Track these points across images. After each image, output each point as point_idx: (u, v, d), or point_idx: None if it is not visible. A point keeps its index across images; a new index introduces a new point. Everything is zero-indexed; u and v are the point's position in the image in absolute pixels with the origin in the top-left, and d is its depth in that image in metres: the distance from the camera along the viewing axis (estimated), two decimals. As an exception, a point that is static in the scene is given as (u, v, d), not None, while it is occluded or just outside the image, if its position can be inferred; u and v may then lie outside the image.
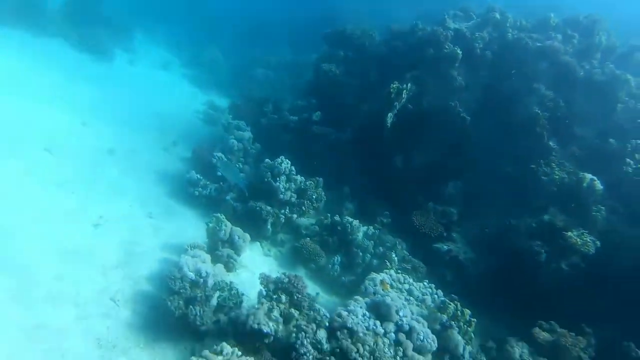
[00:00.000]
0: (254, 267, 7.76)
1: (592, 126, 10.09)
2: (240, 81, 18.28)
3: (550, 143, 9.34)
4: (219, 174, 9.14)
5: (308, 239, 8.62)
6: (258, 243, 8.43)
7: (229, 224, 7.37)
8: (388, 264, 8.10)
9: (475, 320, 6.79)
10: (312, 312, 5.96)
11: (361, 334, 5.64)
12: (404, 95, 9.22)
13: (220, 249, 7.22)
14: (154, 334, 5.51)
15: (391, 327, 6.03)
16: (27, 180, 7.22)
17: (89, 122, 10.25)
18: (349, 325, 5.69)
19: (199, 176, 9.00)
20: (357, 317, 6.02)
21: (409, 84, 9.25)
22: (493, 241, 8.86)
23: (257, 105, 11.66)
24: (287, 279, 6.16)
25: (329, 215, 8.98)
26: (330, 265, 8.27)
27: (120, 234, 7.03)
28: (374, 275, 7.36)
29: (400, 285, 7.49)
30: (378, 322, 6.04)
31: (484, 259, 8.79)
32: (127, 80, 15.48)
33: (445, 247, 8.90)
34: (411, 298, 7.32)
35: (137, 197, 8.34)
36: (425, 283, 7.79)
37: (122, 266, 6.36)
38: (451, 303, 6.79)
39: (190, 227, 8.16)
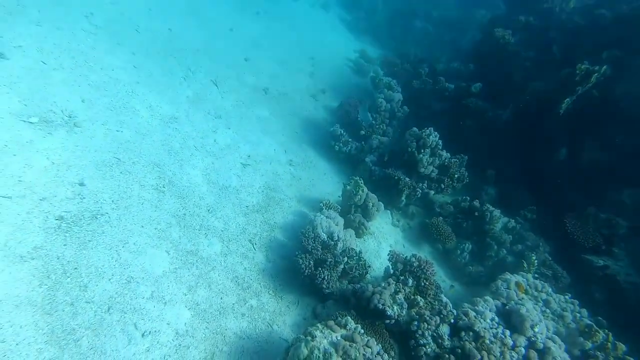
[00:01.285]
0: (381, 235, 7.59)
1: None
2: (396, 32, 17.26)
3: None
4: (363, 132, 8.96)
5: (441, 218, 8.11)
6: (388, 211, 8.18)
7: (365, 189, 7.19)
8: (525, 265, 7.26)
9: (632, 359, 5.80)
10: (436, 303, 5.64)
11: (487, 341, 5.19)
12: (593, 80, 7.68)
13: (353, 213, 7.15)
14: (282, 284, 5.75)
15: (522, 340, 5.42)
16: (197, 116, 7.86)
17: (251, 58, 10.69)
18: (475, 328, 5.27)
19: (342, 131, 8.87)
20: (485, 320, 5.55)
21: (605, 67, 7.63)
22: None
23: (412, 65, 10.88)
24: (417, 262, 5.87)
25: (467, 198, 8.28)
26: (458, 251, 7.71)
27: (263, 178, 7.32)
28: (508, 275, 6.66)
29: (536, 293, 6.68)
30: (508, 332, 5.49)
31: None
32: (288, 16, 15.67)
33: (601, 261, 7.62)
34: (547, 310, 6.52)
35: (281, 141, 8.58)
36: (566, 297, 6.85)
37: (262, 211, 6.66)
38: (600, 331, 5.86)
39: (326, 182, 8.20)
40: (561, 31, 9.26)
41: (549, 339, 5.60)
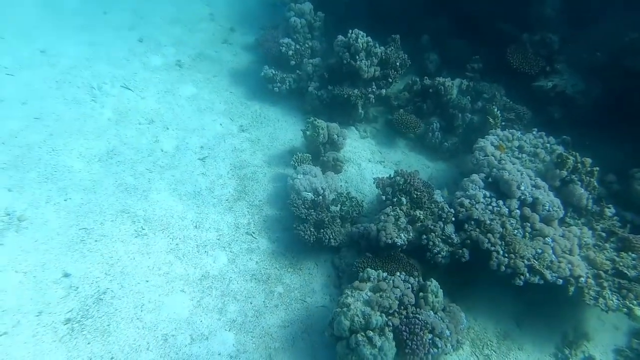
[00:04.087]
0: (356, 155, 7.47)
1: None
2: None
3: None
4: (293, 63, 8.29)
5: (402, 110, 7.91)
6: (352, 127, 7.95)
7: (324, 124, 6.85)
8: (491, 119, 7.30)
9: (597, 168, 6.15)
10: (433, 206, 5.78)
11: (488, 222, 5.44)
12: None
13: (323, 153, 6.92)
14: (295, 255, 5.77)
15: (514, 204, 5.68)
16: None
17: (144, 37, 9.36)
18: (475, 216, 5.48)
19: (273, 71, 8.16)
20: (478, 202, 5.75)
21: None
22: (607, 64, 7.40)
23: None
24: (402, 180, 5.85)
25: (417, 80, 7.98)
26: (430, 134, 7.69)
27: (226, 162, 6.90)
28: (481, 142, 6.69)
29: (509, 144, 6.86)
30: (501, 202, 5.72)
31: (595, 87, 7.50)
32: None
33: (549, 83, 7.66)
34: (523, 156, 6.76)
35: (222, 110, 7.93)
36: (534, 133, 7.04)
37: (242, 196, 6.41)
38: (569, 156, 6.09)
39: (284, 130, 7.77)
40: None
41: (534, 187, 5.86)
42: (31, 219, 5.26)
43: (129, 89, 7.83)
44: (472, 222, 5.47)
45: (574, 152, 6.13)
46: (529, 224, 5.57)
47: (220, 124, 7.65)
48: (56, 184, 5.78)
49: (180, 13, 10.52)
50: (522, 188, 5.71)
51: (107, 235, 5.38)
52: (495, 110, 7.26)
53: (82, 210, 5.55)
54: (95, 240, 5.29)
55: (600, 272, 5.17)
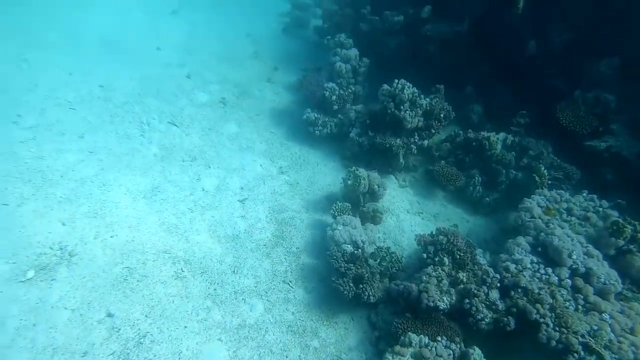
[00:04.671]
0: (395, 206, 7.47)
1: None
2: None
3: None
4: (335, 107, 8.47)
5: (443, 162, 7.92)
6: (391, 176, 7.99)
7: (365, 174, 6.91)
8: (537, 178, 7.20)
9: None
10: (476, 268, 5.67)
11: (537, 291, 5.28)
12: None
13: (363, 203, 6.95)
14: (331, 308, 5.73)
15: (565, 272, 5.52)
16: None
17: (192, 73, 9.81)
18: (522, 284, 5.34)
19: (315, 114, 8.36)
20: (525, 267, 5.61)
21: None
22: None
23: (350, 6, 9.93)
24: (445, 239, 5.80)
25: (460, 132, 8.01)
26: (471, 188, 7.63)
27: (265, 204, 7.02)
28: (527, 203, 6.59)
29: (557, 205, 6.72)
30: (549, 270, 5.57)
31: (654, 147, 7.33)
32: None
33: (602, 144, 7.51)
34: (572, 219, 6.58)
35: (263, 151, 8.14)
36: (584, 195, 6.88)
37: (280, 242, 6.48)
38: (627, 225, 5.88)
39: (323, 174, 7.90)
40: None
41: (586, 255, 5.69)
42: (80, 255, 5.46)
43: (175, 125, 8.15)
44: (519, 290, 5.33)
45: (631, 220, 5.95)
46: (581, 296, 5.38)
47: (261, 165, 7.82)
48: (104, 219, 5.99)
49: (228, 50, 11.01)
50: (574, 257, 5.55)
51: (148, 276, 5.51)
52: (542, 168, 7.16)
53: (126, 249, 5.72)
54: (138, 280, 5.42)
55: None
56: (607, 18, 7.53)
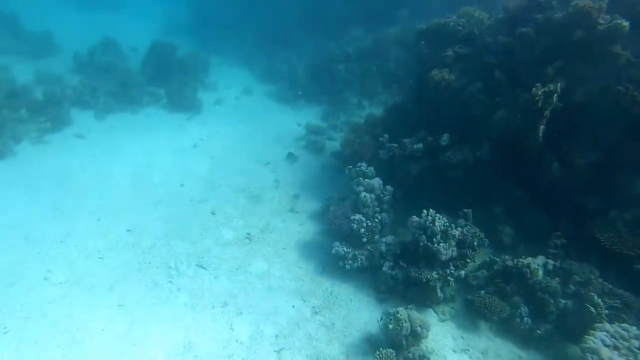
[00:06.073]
0: (439, 345, 7.13)
1: None
2: (325, 83, 17.20)
3: None
4: (364, 240, 8.57)
5: (482, 291, 7.75)
6: (430, 310, 7.78)
7: (405, 315, 6.73)
8: (592, 309, 6.90)
9: None
10: None
11: None
12: (555, 100, 7.59)
13: (407, 346, 6.67)
14: None
15: None
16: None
17: (216, 210, 10.13)
18: None
19: (345, 248, 8.43)
20: None
21: (559, 84, 7.55)
22: None
23: (369, 134, 10.63)
24: (506, 394, 5.43)
25: (496, 259, 7.98)
26: (517, 319, 7.33)
27: (302, 352, 6.75)
28: (591, 343, 6.27)
29: (625, 343, 6.36)
30: None
31: None
32: (222, 129, 15.12)
33: (656, 267, 7.38)
34: None
35: (293, 289, 8.05)
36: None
37: (324, 401, 6.11)
38: None
39: (358, 311, 7.68)
40: (494, 53, 9.22)
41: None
42: None
43: (203, 268, 8.19)
44: None
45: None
46: None
47: (293, 306, 7.68)
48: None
49: (248, 181, 11.51)
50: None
51: None
52: (595, 297, 6.94)
53: None
54: None
55: None
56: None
